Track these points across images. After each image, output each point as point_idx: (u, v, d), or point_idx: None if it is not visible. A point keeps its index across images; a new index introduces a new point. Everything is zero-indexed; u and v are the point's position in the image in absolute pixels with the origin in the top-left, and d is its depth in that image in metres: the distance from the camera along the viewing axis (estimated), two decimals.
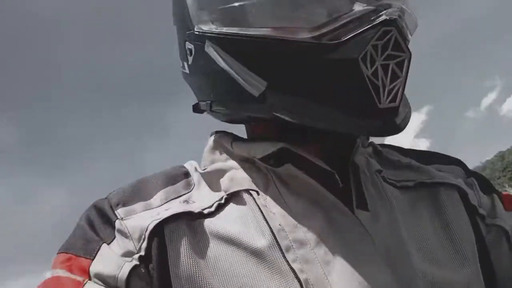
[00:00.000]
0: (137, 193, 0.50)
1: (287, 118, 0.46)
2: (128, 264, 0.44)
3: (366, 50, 0.43)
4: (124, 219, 0.47)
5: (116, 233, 0.47)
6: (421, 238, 0.50)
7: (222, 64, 0.49)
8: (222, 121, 0.57)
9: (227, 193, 0.50)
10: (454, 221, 0.53)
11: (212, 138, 0.57)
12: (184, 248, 0.45)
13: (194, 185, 0.51)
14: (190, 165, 0.55)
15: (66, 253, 0.47)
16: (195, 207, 0.48)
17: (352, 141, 0.52)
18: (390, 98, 0.44)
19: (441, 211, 0.53)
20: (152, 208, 0.48)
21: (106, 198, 0.50)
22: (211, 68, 0.50)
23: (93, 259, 0.46)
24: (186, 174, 0.53)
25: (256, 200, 0.49)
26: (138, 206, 0.49)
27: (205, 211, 0.48)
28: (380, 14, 0.44)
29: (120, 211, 0.48)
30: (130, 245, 0.45)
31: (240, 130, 0.58)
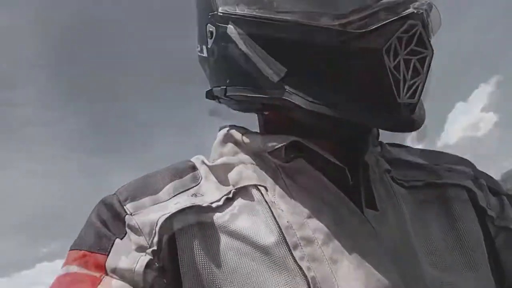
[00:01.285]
0: (145, 188, 0.50)
1: (303, 106, 0.46)
2: (143, 258, 0.44)
3: (391, 42, 0.42)
4: (134, 214, 0.47)
5: (127, 229, 0.47)
6: (429, 241, 0.50)
7: (243, 47, 0.48)
8: (235, 109, 0.57)
9: (235, 187, 0.49)
10: (463, 222, 0.52)
11: (223, 131, 0.57)
12: (193, 242, 0.45)
13: (202, 178, 0.51)
14: (197, 159, 0.54)
15: (80, 249, 0.47)
16: (203, 201, 0.48)
17: (363, 139, 0.52)
18: (409, 93, 0.44)
19: (449, 212, 0.53)
20: (161, 202, 0.48)
21: (114, 194, 0.50)
22: (231, 51, 0.50)
23: (108, 254, 0.45)
24: (193, 168, 0.53)
25: (264, 196, 0.48)
26: (147, 200, 0.48)
27: (213, 205, 0.47)
28: (408, 7, 0.43)
29: (129, 206, 0.48)
30: (142, 240, 0.45)
31: (251, 124, 0.57)
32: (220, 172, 0.51)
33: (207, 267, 0.44)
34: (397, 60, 0.43)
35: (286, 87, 0.47)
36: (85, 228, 0.49)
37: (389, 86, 0.43)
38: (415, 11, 0.43)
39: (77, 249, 0.47)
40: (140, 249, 0.45)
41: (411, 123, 0.45)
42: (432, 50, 0.44)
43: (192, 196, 0.48)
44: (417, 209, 0.52)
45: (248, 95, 0.51)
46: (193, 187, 0.50)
